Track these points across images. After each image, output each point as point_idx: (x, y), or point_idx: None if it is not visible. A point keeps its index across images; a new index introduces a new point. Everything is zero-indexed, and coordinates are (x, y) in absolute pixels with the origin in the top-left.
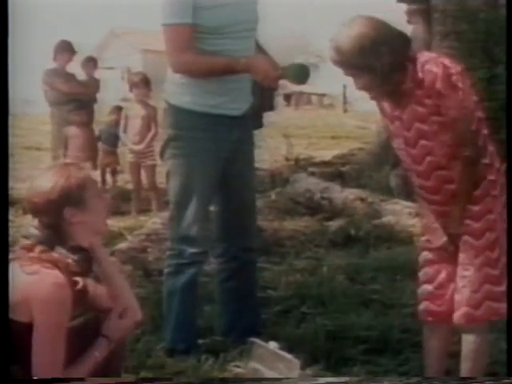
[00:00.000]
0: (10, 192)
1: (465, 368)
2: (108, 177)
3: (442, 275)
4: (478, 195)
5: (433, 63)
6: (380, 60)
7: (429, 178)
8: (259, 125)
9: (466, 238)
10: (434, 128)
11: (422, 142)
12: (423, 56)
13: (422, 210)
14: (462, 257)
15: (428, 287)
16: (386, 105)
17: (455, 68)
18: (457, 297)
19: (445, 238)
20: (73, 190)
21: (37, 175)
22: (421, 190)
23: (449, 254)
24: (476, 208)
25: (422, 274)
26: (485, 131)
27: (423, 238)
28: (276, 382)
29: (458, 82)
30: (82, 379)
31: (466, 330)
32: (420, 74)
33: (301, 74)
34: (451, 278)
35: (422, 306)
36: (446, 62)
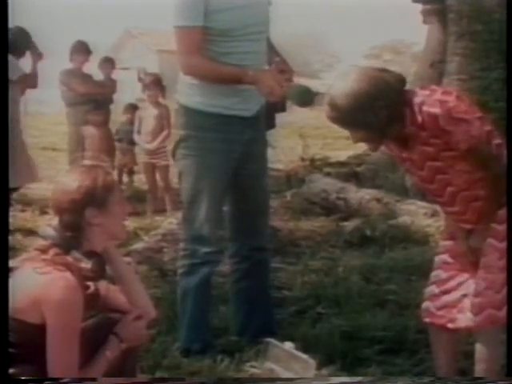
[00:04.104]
0: (27, 192)
1: (480, 369)
2: (125, 177)
3: (453, 282)
4: (503, 200)
5: (429, 104)
6: (376, 115)
7: (454, 203)
8: (271, 125)
9: (490, 240)
10: (448, 163)
11: (439, 176)
12: (417, 96)
13: (448, 220)
14: (485, 260)
15: (435, 289)
16: (393, 146)
17: (451, 98)
18: (477, 300)
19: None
20: (97, 192)
21: (63, 174)
22: (449, 215)
23: (467, 263)
24: (501, 212)
25: (433, 275)
26: (497, 141)
27: (446, 242)
28: (292, 382)
29: (459, 114)
30: (95, 379)
31: (484, 332)
32: (419, 118)
33: (304, 97)
34: (460, 287)
35: (424, 305)
36: (441, 96)
